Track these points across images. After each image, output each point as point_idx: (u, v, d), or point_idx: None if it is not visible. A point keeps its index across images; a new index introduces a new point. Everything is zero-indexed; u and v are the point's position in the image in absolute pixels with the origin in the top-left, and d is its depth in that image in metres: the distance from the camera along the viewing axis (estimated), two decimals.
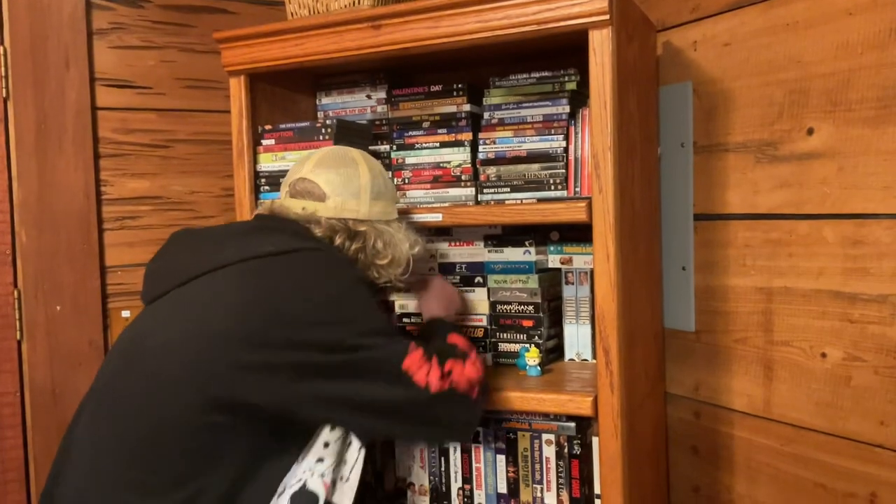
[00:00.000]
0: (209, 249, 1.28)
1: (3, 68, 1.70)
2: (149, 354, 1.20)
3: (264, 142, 1.70)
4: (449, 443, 1.58)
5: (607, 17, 1.30)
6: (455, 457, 1.67)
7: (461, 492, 1.67)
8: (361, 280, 1.33)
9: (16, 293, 1.73)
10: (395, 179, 1.67)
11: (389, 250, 1.37)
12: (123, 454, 1.16)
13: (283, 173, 1.67)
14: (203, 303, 1.21)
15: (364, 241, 1.35)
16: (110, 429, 1.18)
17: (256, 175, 1.69)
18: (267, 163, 1.69)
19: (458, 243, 1.71)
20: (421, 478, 1.72)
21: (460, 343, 1.36)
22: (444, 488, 1.69)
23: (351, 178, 1.36)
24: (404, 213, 1.55)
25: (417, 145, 1.65)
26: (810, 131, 1.48)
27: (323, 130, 1.64)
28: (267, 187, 1.69)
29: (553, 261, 1.65)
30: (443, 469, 1.69)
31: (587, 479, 1.55)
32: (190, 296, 1.23)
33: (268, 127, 1.70)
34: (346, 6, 1.59)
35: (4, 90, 1.70)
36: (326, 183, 1.35)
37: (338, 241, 1.33)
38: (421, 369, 1.23)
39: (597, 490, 1.52)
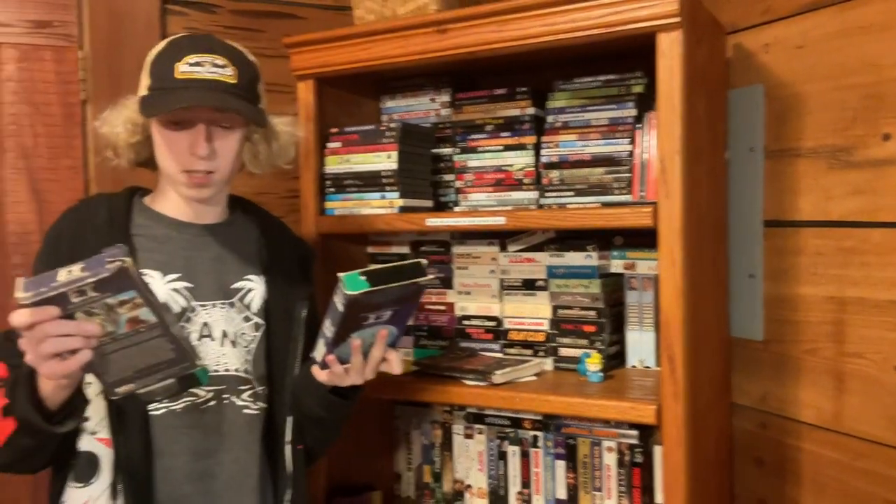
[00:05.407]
0: None
1: (81, 72, 1.76)
2: None
3: (330, 144, 1.72)
4: None
5: (677, 19, 1.28)
6: (514, 461, 1.67)
7: (520, 496, 1.67)
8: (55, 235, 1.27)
9: None
10: (458, 182, 1.68)
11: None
12: None
13: (348, 176, 1.69)
14: None
15: None
16: None
17: (322, 177, 1.72)
18: (333, 165, 1.72)
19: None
20: (479, 480, 1.72)
21: None
22: (502, 492, 1.69)
23: None
24: (464, 215, 1.55)
25: (480, 148, 1.65)
26: (886, 137, 1.43)
27: (387, 133, 1.66)
28: (332, 189, 1.72)
29: (616, 266, 1.64)
30: (501, 473, 1.69)
31: (648, 488, 1.53)
32: None
33: (334, 130, 1.73)
34: (412, 11, 1.61)
35: (83, 93, 1.76)
36: None
37: None
38: None
39: (658, 499, 1.50)
